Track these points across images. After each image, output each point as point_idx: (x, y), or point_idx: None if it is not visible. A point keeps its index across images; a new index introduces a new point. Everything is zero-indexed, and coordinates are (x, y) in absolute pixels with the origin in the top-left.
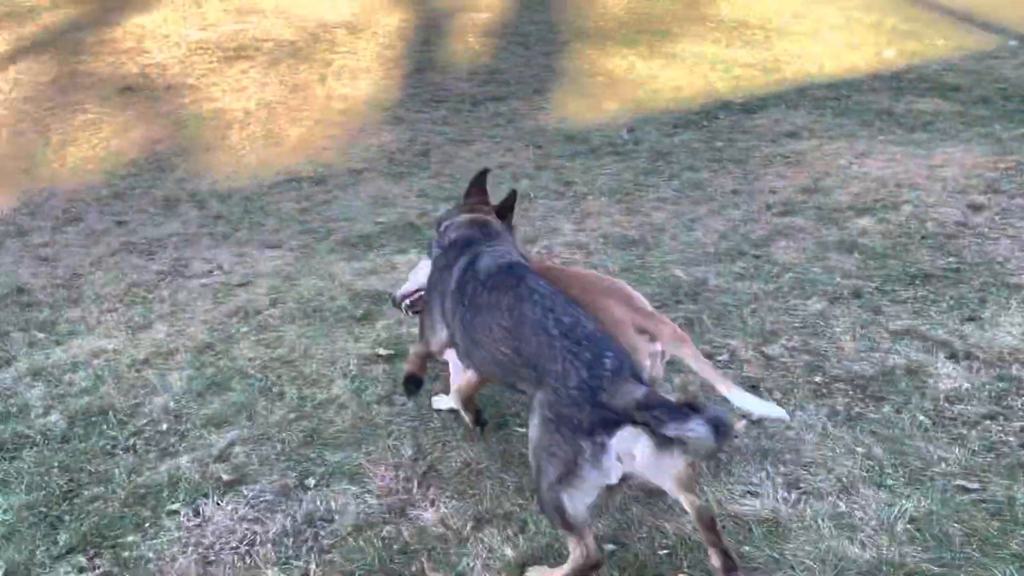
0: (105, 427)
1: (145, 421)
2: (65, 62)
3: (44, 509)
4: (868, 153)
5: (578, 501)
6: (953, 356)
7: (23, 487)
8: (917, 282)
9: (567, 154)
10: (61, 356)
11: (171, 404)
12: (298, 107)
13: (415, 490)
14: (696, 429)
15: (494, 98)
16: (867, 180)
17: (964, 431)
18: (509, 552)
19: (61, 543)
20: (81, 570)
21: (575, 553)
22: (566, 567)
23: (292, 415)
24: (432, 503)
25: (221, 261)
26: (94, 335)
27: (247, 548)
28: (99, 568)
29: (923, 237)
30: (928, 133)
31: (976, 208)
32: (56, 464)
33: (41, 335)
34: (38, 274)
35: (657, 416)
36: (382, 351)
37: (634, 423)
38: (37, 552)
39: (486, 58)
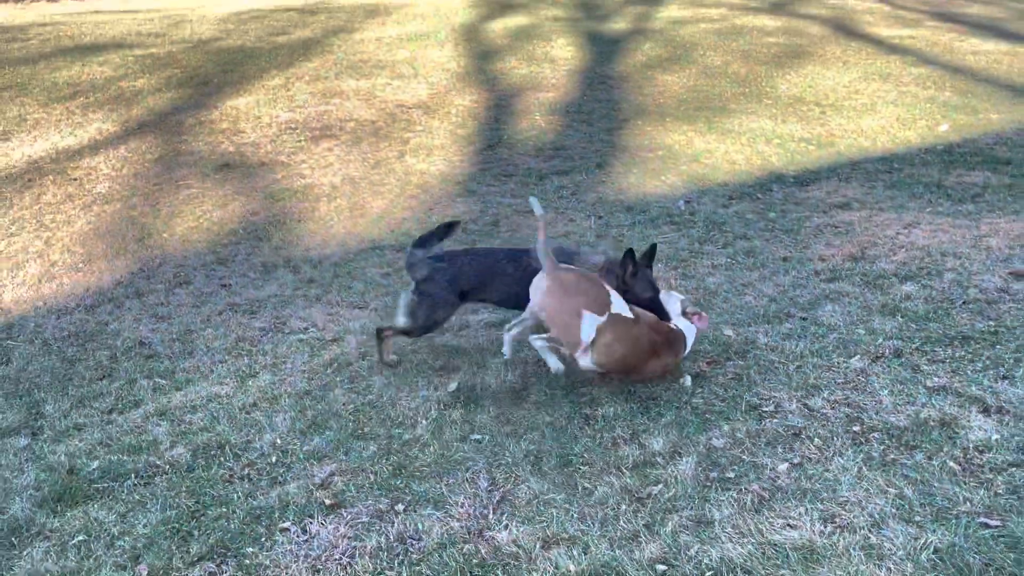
0: (223, 459)
1: (256, 455)
2: (168, 142)
3: (176, 525)
4: (916, 223)
5: None
6: (985, 410)
7: (158, 507)
8: (956, 343)
9: (626, 223)
10: (181, 399)
11: (278, 440)
12: (379, 182)
13: (491, 516)
14: None
15: (559, 172)
16: (913, 249)
17: (991, 476)
18: (572, 568)
19: (193, 552)
20: (211, 574)
21: None
22: None
23: (381, 451)
24: (505, 527)
25: (315, 319)
26: (208, 382)
27: (348, 560)
28: (226, 572)
29: (964, 302)
30: (976, 204)
31: (1018, 276)
32: (184, 489)
33: (163, 382)
34: (156, 330)
35: None
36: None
37: None
38: (174, 559)
39: (551, 135)
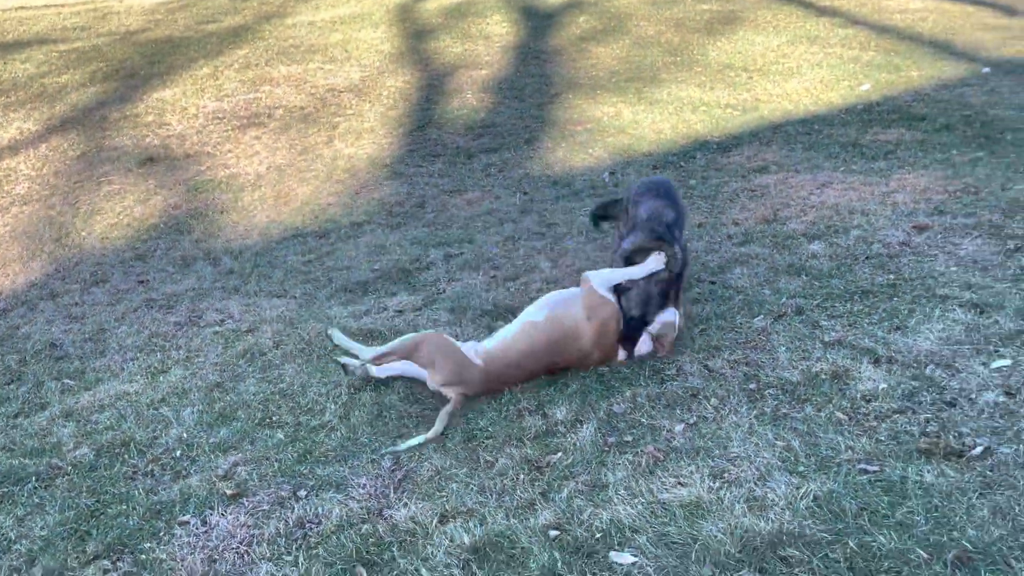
0: (127, 456)
1: (161, 450)
2: (92, 137)
3: (74, 525)
4: (829, 183)
5: None
6: (876, 361)
7: (56, 508)
8: (856, 298)
9: (551, 198)
10: (89, 399)
11: (184, 435)
12: (306, 168)
13: (392, 495)
14: None
15: (487, 150)
16: (823, 208)
17: (874, 424)
18: (467, 540)
19: (89, 551)
20: (106, 571)
21: None
22: None
23: (288, 439)
24: (404, 505)
25: (232, 311)
26: (118, 380)
27: (246, 548)
28: (121, 569)
29: (867, 258)
30: (888, 161)
31: (921, 229)
32: (85, 488)
33: (72, 383)
34: (69, 330)
35: None
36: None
37: None
38: (69, 559)
39: (482, 113)
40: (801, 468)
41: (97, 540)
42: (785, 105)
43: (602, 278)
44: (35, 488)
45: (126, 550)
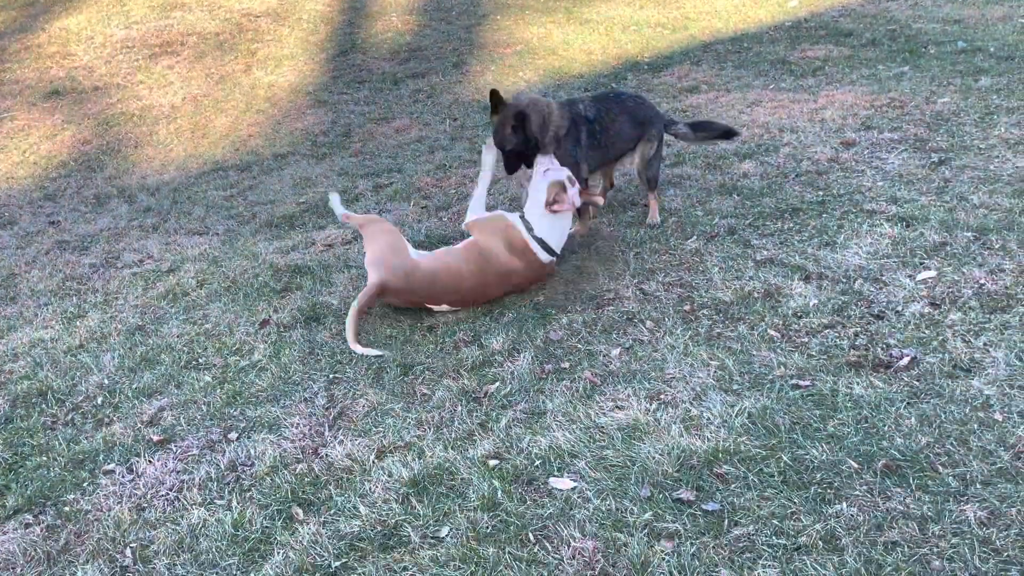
0: (45, 406)
1: (82, 398)
2: None
3: None
4: (758, 102)
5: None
6: (806, 278)
7: None
8: (786, 216)
9: (481, 124)
10: (1, 348)
11: (105, 381)
12: (223, 98)
13: (327, 433)
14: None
15: (414, 75)
16: (754, 127)
17: (806, 340)
18: (405, 474)
19: (8, 506)
20: (27, 526)
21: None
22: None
23: (216, 381)
24: (340, 442)
25: (151, 250)
26: (31, 327)
27: (176, 494)
28: (43, 523)
29: (797, 175)
30: (816, 78)
31: (848, 145)
32: (1, 442)
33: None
34: None
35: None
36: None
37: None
38: None
39: (408, 36)
40: (735, 386)
41: (16, 494)
42: (715, 23)
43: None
44: None
45: (48, 502)
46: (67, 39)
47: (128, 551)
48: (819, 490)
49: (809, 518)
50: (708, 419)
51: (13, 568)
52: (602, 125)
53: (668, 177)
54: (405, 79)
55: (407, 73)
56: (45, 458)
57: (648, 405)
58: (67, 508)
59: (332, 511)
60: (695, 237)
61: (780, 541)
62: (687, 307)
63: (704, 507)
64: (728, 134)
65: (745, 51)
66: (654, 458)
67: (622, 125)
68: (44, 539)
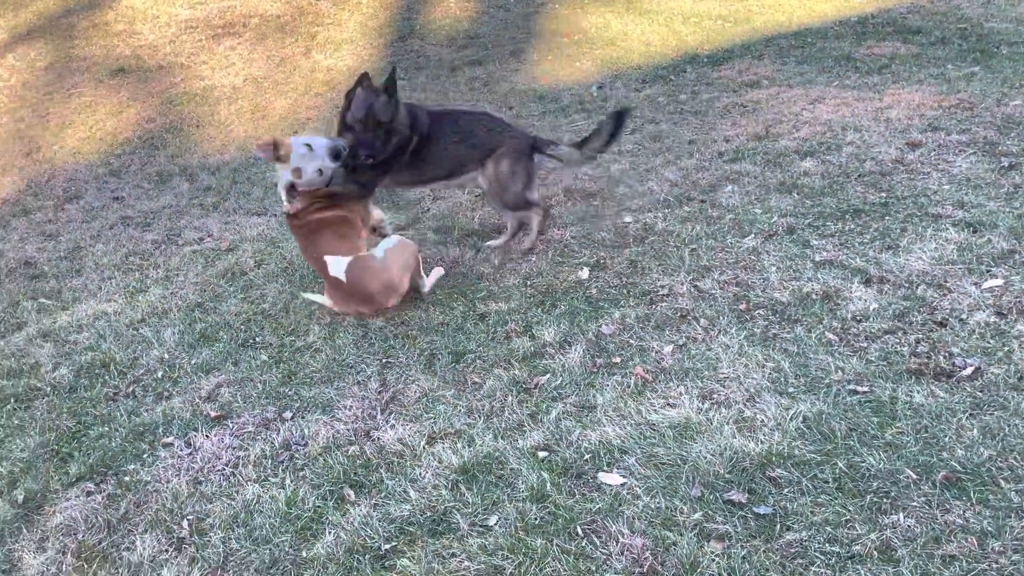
0: (107, 378)
1: (142, 371)
2: (60, 47)
3: (56, 447)
4: (821, 99)
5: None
6: (867, 281)
7: (36, 430)
8: (847, 217)
9: (536, 113)
10: (67, 320)
11: (165, 355)
12: (283, 81)
13: (379, 416)
14: None
15: (471, 62)
16: (816, 124)
17: (864, 344)
18: (455, 461)
19: (72, 473)
20: (89, 494)
21: (536, 220)
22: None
23: (272, 360)
24: (392, 426)
25: (211, 229)
26: (95, 300)
27: (231, 470)
28: (105, 491)
29: (859, 175)
30: (882, 76)
31: (914, 146)
32: (65, 410)
33: (49, 302)
34: (43, 248)
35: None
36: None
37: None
38: (51, 481)
39: (466, 23)
40: (791, 389)
41: (79, 462)
42: (778, 17)
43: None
44: (14, 410)
45: (109, 472)
46: (133, 18)
47: (185, 523)
48: (875, 499)
49: (864, 527)
50: (762, 421)
51: (75, 534)
52: (431, 140)
53: (725, 173)
54: (462, 66)
55: (464, 60)
56: (107, 428)
57: (700, 404)
58: (127, 478)
59: (383, 494)
60: (752, 235)
61: (833, 549)
62: (742, 306)
63: (756, 510)
64: (617, 125)
65: (808, 46)
66: (705, 458)
67: (453, 147)
68: (105, 507)
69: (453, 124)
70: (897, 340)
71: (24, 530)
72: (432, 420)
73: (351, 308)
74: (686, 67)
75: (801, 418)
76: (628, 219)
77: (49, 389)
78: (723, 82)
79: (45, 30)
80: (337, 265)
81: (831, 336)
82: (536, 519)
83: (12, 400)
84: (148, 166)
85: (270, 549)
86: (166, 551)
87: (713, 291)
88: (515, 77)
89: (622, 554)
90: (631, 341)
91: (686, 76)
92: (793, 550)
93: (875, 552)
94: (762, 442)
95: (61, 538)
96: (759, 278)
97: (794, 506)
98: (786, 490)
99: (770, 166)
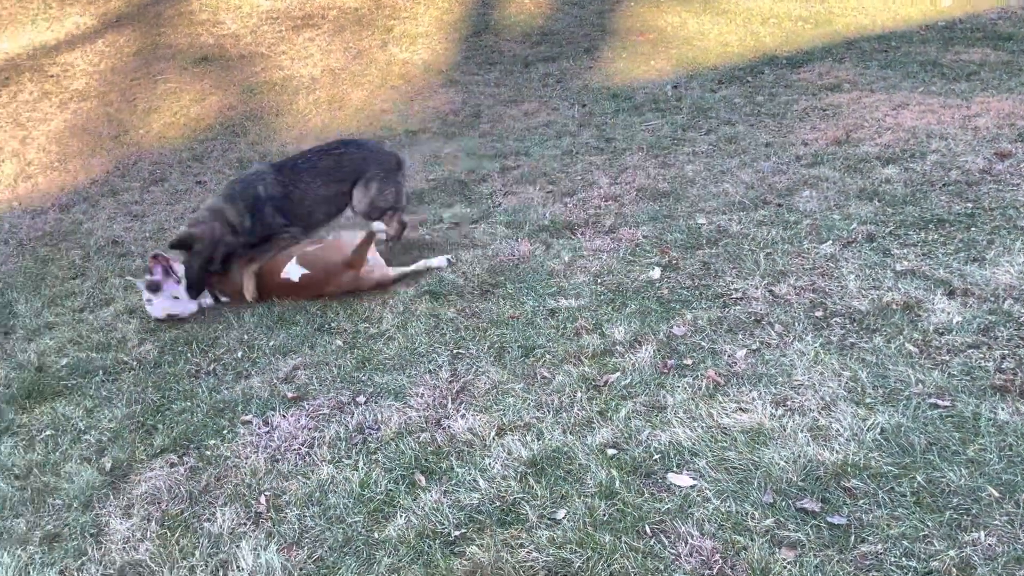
0: (190, 355)
1: (223, 350)
2: (147, 35)
3: (141, 419)
4: (905, 104)
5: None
6: (951, 293)
7: (123, 402)
8: (931, 226)
9: (610, 111)
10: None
11: (244, 336)
12: (360, 72)
13: (449, 405)
14: None
15: (545, 59)
16: (899, 131)
17: (947, 358)
18: (524, 453)
19: (156, 444)
20: (172, 465)
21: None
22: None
23: (347, 345)
24: (463, 416)
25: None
26: None
27: (307, 450)
28: (187, 464)
29: (945, 184)
30: (970, 83)
31: (1003, 156)
32: (150, 384)
33: (134, 280)
34: (130, 228)
35: None
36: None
37: None
38: (137, 451)
39: (540, 19)
40: (868, 400)
41: (163, 434)
42: (861, 19)
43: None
44: (103, 381)
45: (191, 445)
46: (217, 7)
47: (263, 498)
48: (955, 515)
49: (943, 543)
50: (837, 431)
51: (158, 503)
52: (292, 198)
53: (803, 177)
54: (535, 62)
55: (538, 57)
56: (189, 403)
57: (774, 410)
58: (208, 452)
59: (453, 481)
60: (830, 242)
61: (910, 563)
62: (819, 313)
63: (829, 519)
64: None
65: (892, 50)
66: (778, 464)
67: (319, 188)
68: (187, 479)
69: (311, 171)
70: (981, 355)
71: (111, 496)
72: (501, 412)
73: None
74: (764, 68)
75: (879, 429)
76: (702, 221)
77: (135, 363)
78: (802, 85)
79: (133, 17)
80: (293, 269)
81: (911, 348)
82: (605, 515)
83: (101, 372)
84: (229, 152)
85: (343, 528)
86: (244, 524)
87: (789, 297)
88: (588, 74)
89: (691, 555)
90: (703, 343)
91: (764, 78)
92: (868, 562)
93: (954, 569)
94: (837, 452)
95: (146, 506)
96: (837, 285)
97: (869, 518)
98: (861, 501)
99: (850, 172)
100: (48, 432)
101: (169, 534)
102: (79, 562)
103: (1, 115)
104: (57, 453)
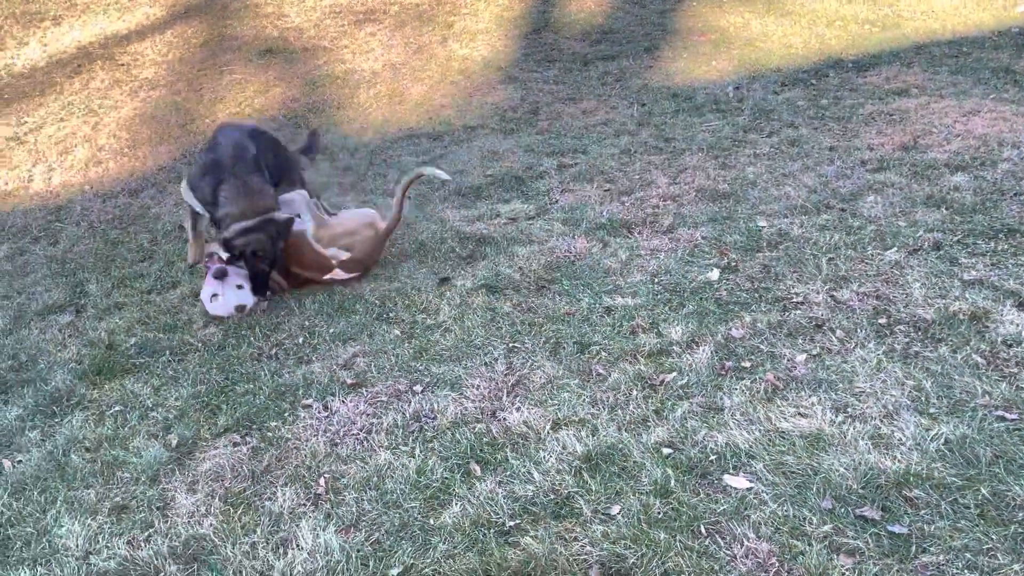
0: (252, 339)
1: (284, 335)
2: (214, 26)
3: (206, 399)
4: (976, 111)
5: None
6: (1020, 304)
7: (189, 382)
8: (1000, 236)
9: (670, 111)
10: None
11: (305, 323)
12: (420, 68)
13: (504, 398)
14: None
15: (605, 57)
16: (969, 138)
17: (1015, 370)
18: (579, 448)
19: (220, 424)
20: (235, 444)
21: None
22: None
23: (404, 335)
24: (518, 409)
25: (348, 207)
26: None
27: (365, 435)
28: (249, 444)
29: (1016, 194)
30: None
31: None
32: (215, 365)
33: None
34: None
35: None
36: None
37: None
38: (201, 430)
39: (600, 18)
40: (932, 410)
41: (227, 414)
42: (930, 24)
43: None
44: (169, 361)
45: (254, 426)
46: (282, 1)
47: (322, 480)
48: (1020, 529)
49: (1007, 557)
50: (900, 440)
51: (221, 480)
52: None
53: (868, 182)
54: (595, 61)
55: (597, 55)
56: (252, 385)
57: (834, 416)
58: (270, 434)
59: (508, 473)
60: (895, 248)
61: None
62: (882, 320)
63: (890, 528)
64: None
65: (963, 56)
66: (838, 471)
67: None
68: (249, 458)
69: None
70: None
71: (177, 472)
72: (556, 407)
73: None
74: (829, 71)
75: (943, 440)
76: (762, 223)
77: (200, 345)
78: (868, 89)
79: (201, 9)
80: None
81: (978, 359)
82: (659, 513)
83: (167, 352)
84: (291, 144)
85: (400, 513)
86: (304, 505)
87: (851, 302)
88: (648, 74)
89: (747, 557)
90: (762, 347)
91: (829, 81)
92: (929, 573)
93: None
94: (899, 460)
95: (210, 483)
96: (901, 293)
97: (931, 528)
98: (923, 512)
99: (917, 178)
100: (117, 408)
101: (232, 511)
102: (146, 533)
103: (74, 102)
104: (126, 428)
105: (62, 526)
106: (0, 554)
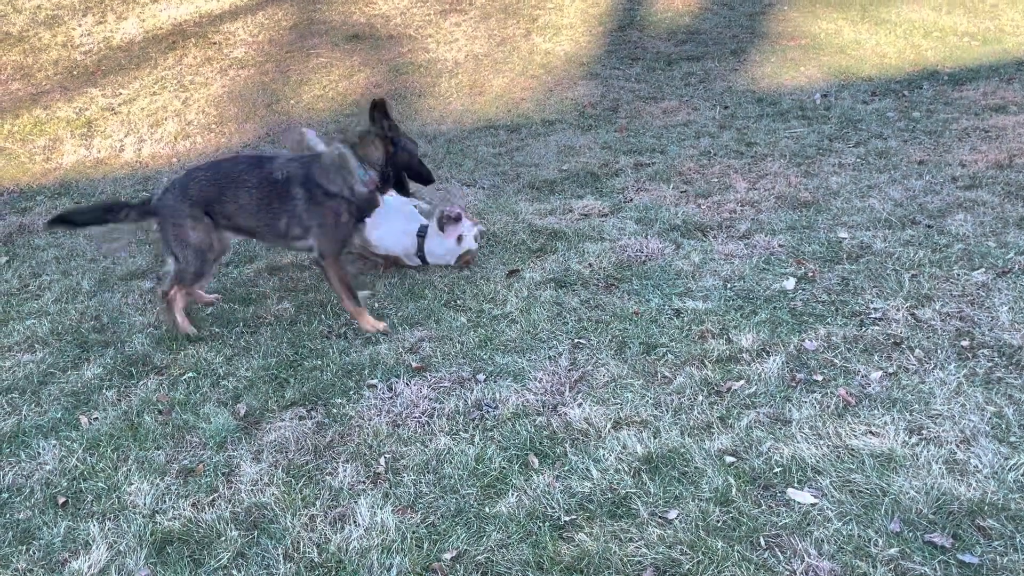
0: (323, 316)
1: None
2: (303, 10)
3: (275, 371)
4: None
5: None
6: None
7: (260, 354)
8: None
9: (753, 115)
10: (292, 258)
11: (375, 305)
12: (502, 60)
13: (567, 393)
14: None
15: (689, 58)
16: None
17: None
18: (640, 449)
19: (287, 397)
20: (301, 418)
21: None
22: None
23: (471, 323)
24: (579, 405)
25: (423, 194)
26: None
27: (427, 419)
28: (315, 418)
29: None
30: None
31: None
32: (286, 340)
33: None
34: None
35: None
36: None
37: None
38: (269, 401)
39: (687, 18)
40: (1013, 438)
41: (295, 388)
42: None
43: None
44: (242, 333)
45: (319, 402)
46: None
47: (382, 460)
48: None
49: None
50: (976, 467)
51: (285, 452)
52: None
53: (957, 199)
54: (679, 61)
55: (682, 55)
56: (320, 362)
57: (907, 437)
58: (335, 410)
59: (565, 468)
60: (983, 269)
61: None
62: (965, 343)
63: (960, 557)
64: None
65: None
66: (908, 494)
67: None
68: (314, 433)
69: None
70: None
71: (243, 441)
72: (619, 406)
73: None
74: (923, 83)
75: (1022, 471)
76: (843, 235)
77: (273, 319)
78: (964, 103)
79: None
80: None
81: None
82: (718, 521)
83: (241, 324)
84: None
85: (456, 499)
86: (363, 482)
87: (933, 322)
88: (733, 76)
89: (807, 574)
90: (835, 361)
91: (922, 93)
92: None
93: None
94: (974, 488)
95: (274, 454)
96: (987, 316)
97: (1004, 561)
98: (996, 543)
99: (1010, 198)
100: (190, 374)
101: (294, 482)
102: (210, 498)
103: (167, 77)
104: (197, 395)
105: (132, 484)
106: (72, 506)
